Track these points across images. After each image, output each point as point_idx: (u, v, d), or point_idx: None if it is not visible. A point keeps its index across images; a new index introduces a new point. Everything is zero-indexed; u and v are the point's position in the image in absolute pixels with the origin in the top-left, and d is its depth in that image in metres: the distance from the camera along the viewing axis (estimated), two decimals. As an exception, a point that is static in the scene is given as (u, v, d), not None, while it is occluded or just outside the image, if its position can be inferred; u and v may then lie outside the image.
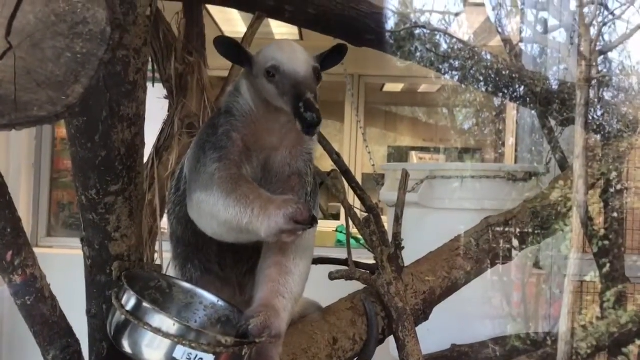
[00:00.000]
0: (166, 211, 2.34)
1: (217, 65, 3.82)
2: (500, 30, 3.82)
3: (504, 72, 3.39)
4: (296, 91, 1.83)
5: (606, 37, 3.30)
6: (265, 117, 1.99)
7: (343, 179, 2.46)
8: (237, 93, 2.03)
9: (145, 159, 3.29)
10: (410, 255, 2.43)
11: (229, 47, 1.98)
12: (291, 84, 1.86)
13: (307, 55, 1.96)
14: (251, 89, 2.00)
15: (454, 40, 3.44)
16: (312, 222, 1.77)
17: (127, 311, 1.72)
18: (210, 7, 4.42)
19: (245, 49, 2.02)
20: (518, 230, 2.77)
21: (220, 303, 2.01)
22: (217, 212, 1.85)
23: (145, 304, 1.71)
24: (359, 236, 2.36)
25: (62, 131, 5.76)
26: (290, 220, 1.75)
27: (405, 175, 2.45)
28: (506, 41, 3.74)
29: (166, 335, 1.65)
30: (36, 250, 1.90)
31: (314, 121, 1.77)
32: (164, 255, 3.35)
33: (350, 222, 2.36)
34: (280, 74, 1.89)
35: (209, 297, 2.02)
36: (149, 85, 1.97)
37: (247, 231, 1.81)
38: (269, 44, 2.02)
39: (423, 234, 3.49)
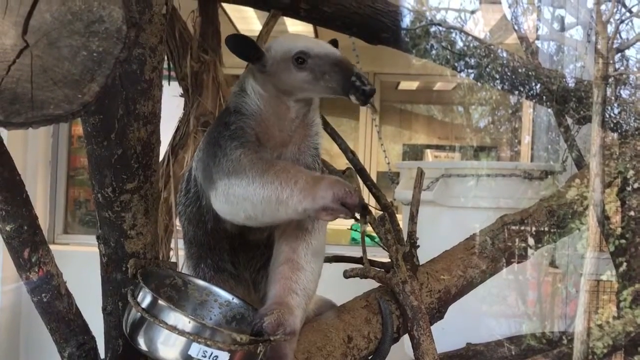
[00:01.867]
0: (177, 212, 2.34)
1: (233, 63, 3.82)
2: (516, 27, 3.80)
3: (520, 70, 3.38)
4: (342, 67, 1.85)
5: (623, 35, 3.27)
6: (274, 115, 1.99)
7: (358, 177, 2.45)
8: (242, 93, 2.02)
9: (161, 157, 3.31)
10: (425, 253, 2.42)
11: (240, 44, 1.97)
12: (332, 62, 1.87)
13: None
14: (258, 87, 1.99)
15: (470, 37, 3.43)
16: (364, 211, 1.75)
17: (143, 309, 1.73)
18: (225, 5, 4.42)
19: (257, 44, 2.01)
20: (534, 228, 2.75)
21: (235, 300, 2.02)
22: (252, 192, 1.81)
23: (160, 302, 1.72)
24: (374, 234, 2.36)
25: (78, 129, 5.79)
26: (337, 200, 1.73)
27: (421, 174, 2.44)
28: (522, 39, 3.72)
29: (181, 332, 1.66)
30: (52, 247, 1.92)
31: (372, 92, 1.80)
32: (179, 252, 3.36)
33: (365, 221, 2.35)
34: (313, 58, 1.88)
35: (224, 294, 2.03)
36: (165, 83, 1.98)
37: (286, 206, 1.78)
38: (277, 38, 2.03)
39: (438, 233, 3.49)
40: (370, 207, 2.39)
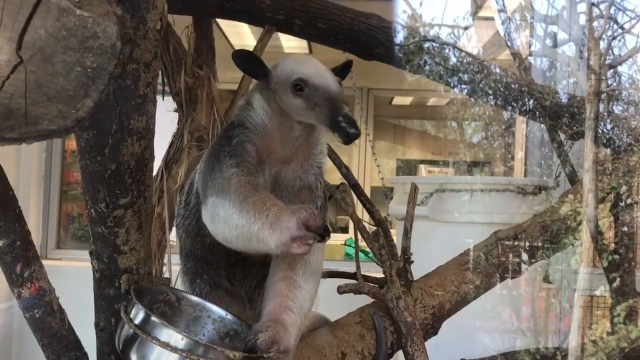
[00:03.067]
0: (175, 225, 2.33)
1: (227, 78, 3.84)
2: (509, 43, 3.82)
3: (513, 86, 3.40)
4: (332, 105, 1.84)
5: (615, 51, 3.30)
6: (278, 131, 1.99)
7: (352, 192, 2.45)
8: (249, 107, 2.03)
9: (155, 172, 3.30)
10: (419, 269, 2.42)
11: (246, 60, 1.98)
12: (325, 97, 1.86)
13: (329, 69, 1.97)
14: (264, 103, 2.00)
15: (463, 53, 3.45)
16: (325, 231, 1.75)
17: (136, 325, 1.72)
18: (220, 20, 4.43)
19: (263, 62, 2.01)
20: (527, 244, 2.75)
21: (229, 317, 2.01)
22: (231, 216, 1.81)
23: (153, 318, 1.71)
24: (368, 250, 2.35)
25: (72, 143, 5.78)
26: (302, 226, 1.71)
27: (414, 189, 2.44)
28: (515, 55, 3.74)
29: (174, 349, 1.64)
30: (45, 262, 1.91)
31: (356, 134, 1.79)
32: (173, 268, 3.35)
33: (359, 236, 2.35)
34: (310, 88, 1.88)
35: (218, 310, 2.02)
36: (159, 98, 1.98)
37: (257, 239, 1.77)
38: (285, 58, 2.02)
39: (432, 248, 3.48)
40: (364, 223, 2.40)
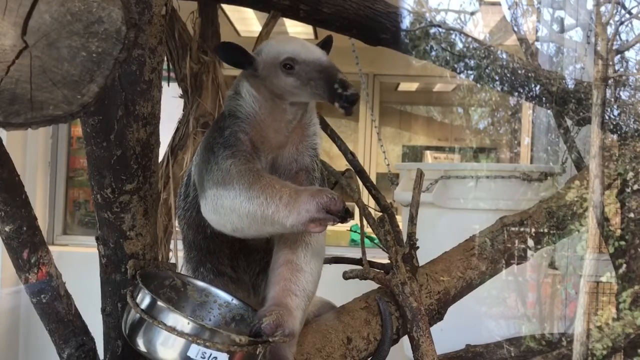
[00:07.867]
0: (177, 217, 2.34)
1: (232, 64, 3.83)
2: (516, 29, 3.80)
3: (519, 72, 3.38)
4: (326, 74, 1.85)
5: (623, 36, 3.27)
6: (270, 117, 1.99)
7: (357, 178, 2.45)
8: (237, 96, 2.02)
9: (161, 158, 3.31)
10: (424, 255, 2.42)
11: (229, 51, 1.97)
12: (318, 69, 1.87)
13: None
14: (253, 90, 2.00)
15: (470, 39, 3.42)
16: (346, 214, 1.76)
17: (142, 310, 1.72)
18: (225, 6, 4.42)
19: (247, 50, 2.01)
20: (533, 230, 2.75)
21: (235, 302, 2.02)
22: (239, 205, 1.82)
23: (159, 303, 1.71)
24: (373, 236, 2.36)
25: (78, 130, 5.79)
26: (322, 209, 1.74)
27: (420, 175, 2.44)
28: (522, 40, 3.72)
29: (180, 334, 1.65)
30: (52, 248, 1.91)
31: (355, 98, 1.79)
32: (179, 253, 3.36)
33: (365, 222, 2.35)
34: (300, 64, 1.89)
35: (223, 295, 2.03)
36: (164, 84, 1.98)
37: (272, 221, 1.79)
38: (267, 42, 2.04)
39: (438, 234, 3.49)
40: (370, 209, 2.40)
